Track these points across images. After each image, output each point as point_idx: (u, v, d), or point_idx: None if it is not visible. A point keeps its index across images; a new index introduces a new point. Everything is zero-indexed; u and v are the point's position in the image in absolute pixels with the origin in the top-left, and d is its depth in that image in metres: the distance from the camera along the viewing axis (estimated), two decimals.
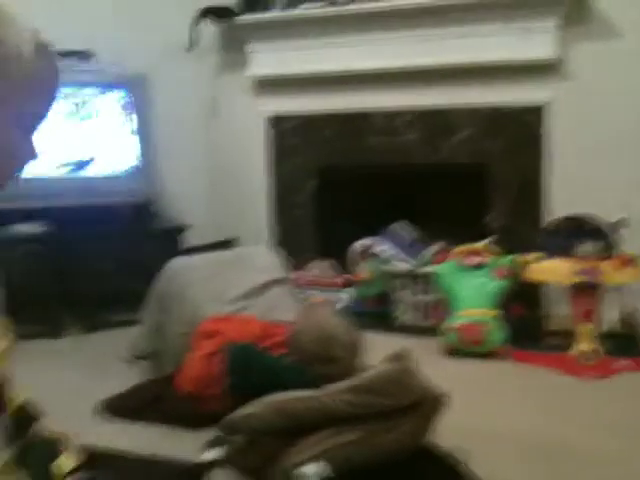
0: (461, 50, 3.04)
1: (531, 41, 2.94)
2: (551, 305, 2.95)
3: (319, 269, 3.16)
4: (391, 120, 3.28)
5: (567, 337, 2.56)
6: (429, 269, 2.89)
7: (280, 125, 3.48)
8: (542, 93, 3.02)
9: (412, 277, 2.94)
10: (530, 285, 2.78)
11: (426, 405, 1.68)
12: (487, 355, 2.59)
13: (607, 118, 2.94)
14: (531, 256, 2.66)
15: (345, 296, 3.07)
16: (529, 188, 3.07)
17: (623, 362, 2.46)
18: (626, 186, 2.92)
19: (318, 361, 1.96)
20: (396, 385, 1.68)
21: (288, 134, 3.47)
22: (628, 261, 2.45)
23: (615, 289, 2.54)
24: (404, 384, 1.69)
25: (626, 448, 1.84)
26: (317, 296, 2.99)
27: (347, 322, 2.12)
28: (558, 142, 3.02)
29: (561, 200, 2.99)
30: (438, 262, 2.87)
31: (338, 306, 2.98)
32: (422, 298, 2.92)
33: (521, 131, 3.08)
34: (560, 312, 2.79)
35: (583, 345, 2.46)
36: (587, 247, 2.52)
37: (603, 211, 2.77)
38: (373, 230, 3.15)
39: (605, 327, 2.58)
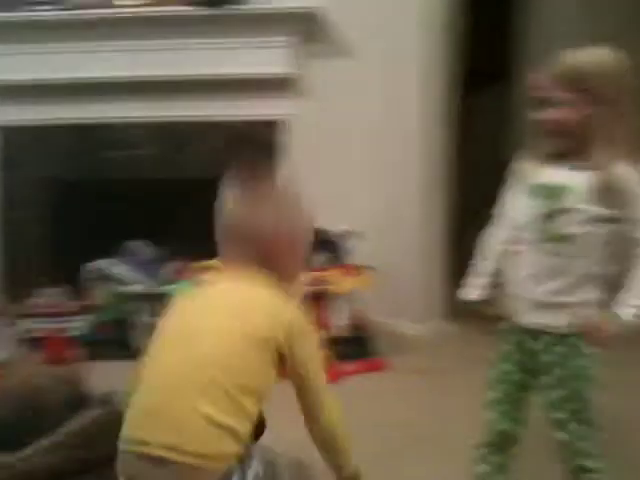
0: (198, 63, 2.98)
1: (267, 56, 2.97)
2: None
3: (50, 296, 2.90)
4: (128, 133, 3.12)
5: None
6: (167, 288, 2.77)
7: (9, 136, 3.13)
8: (281, 108, 3.07)
9: (150, 298, 2.80)
10: None
11: None
12: None
13: (342, 133, 3.07)
14: None
15: (79, 324, 2.84)
16: None
17: (352, 365, 2.55)
18: (358, 199, 3.08)
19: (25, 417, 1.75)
20: (99, 434, 1.55)
21: (17, 145, 3.14)
22: (354, 270, 2.55)
23: (344, 296, 2.63)
24: (106, 432, 1.55)
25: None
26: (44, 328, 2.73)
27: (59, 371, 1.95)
28: (298, 155, 3.08)
29: None
30: (176, 280, 2.76)
31: (72, 334, 2.75)
32: None
33: (257, 145, 3.09)
34: None
35: None
36: (318, 258, 2.58)
37: (336, 223, 2.89)
38: (109, 250, 2.96)
39: (337, 332, 2.65)
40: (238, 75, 2.98)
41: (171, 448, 1.03)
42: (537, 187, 1.32)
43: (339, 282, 2.52)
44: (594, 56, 1.28)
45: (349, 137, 3.07)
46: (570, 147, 1.29)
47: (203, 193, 3.10)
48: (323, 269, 2.54)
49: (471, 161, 4.54)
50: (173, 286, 2.74)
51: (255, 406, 1.10)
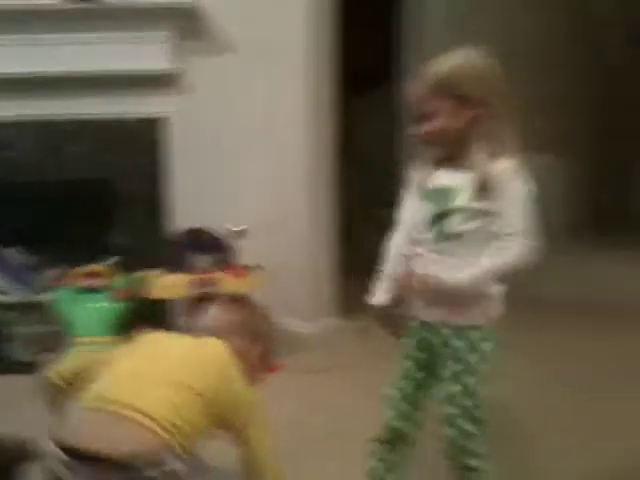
0: (73, 59, 2.82)
1: (145, 52, 2.86)
2: (175, 319, 2.92)
3: None
4: None
5: None
6: (44, 297, 2.61)
7: None
8: (161, 105, 2.97)
9: (25, 308, 2.64)
10: (160, 302, 2.70)
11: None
12: None
13: (226, 131, 3.01)
14: (152, 273, 2.57)
15: None
16: (152, 202, 3.00)
17: None
18: (244, 198, 3.04)
19: None
20: None
21: None
22: (243, 271, 2.50)
23: None
24: None
25: None
26: None
27: None
28: (178, 154, 3.00)
29: (184, 213, 2.98)
30: (54, 288, 2.61)
31: None
32: (38, 330, 2.63)
33: (141, 144, 2.99)
34: (182, 324, 2.76)
35: None
36: (205, 259, 2.52)
37: (223, 222, 2.84)
38: None
39: None
40: (116, 71, 2.85)
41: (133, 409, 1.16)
42: (429, 191, 1.37)
43: (227, 284, 2.47)
44: (464, 60, 1.31)
45: (233, 134, 3.02)
46: (453, 151, 1.34)
47: (82, 195, 3.01)
48: (210, 271, 2.48)
49: (363, 160, 4.64)
50: (51, 294, 2.60)
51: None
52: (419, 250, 1.39)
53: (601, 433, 2.02)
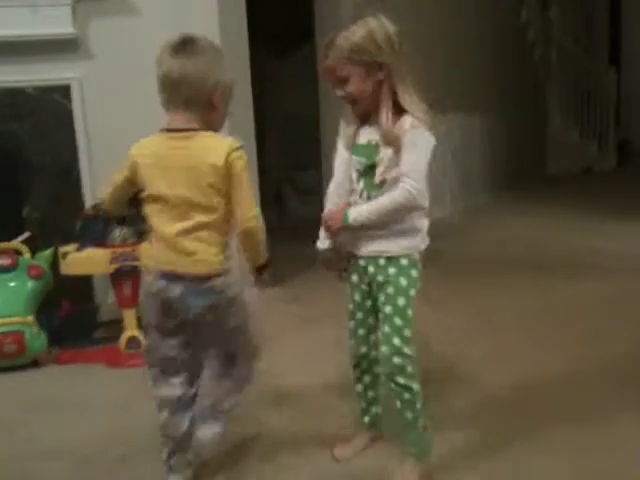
0: None
1: (44, 16, 2.72)
2: (101, 295, 2.82)
3: None
4: None
5: (119, 327, 2.45)
6: None
7: None
8: (66, 71, 2.82)
9: None
10: (80, 277, 2.59)
11: None
12: (31, 365, 2.33)
13: (134, 94, 2.88)
14: (69, 248, 2.45)
15: None
16: (67, 173, 2.86)
17: None
18: None
19: None
20: None
21: None
22: None
23: None
24: None
25: None
26: None
27: None
28: (90, 122, 2.87)
29: (101, 184, 2.86)
30: None
31: None
32: None
33: (50, 112, 2.84)
34: (112, 300, 2.67)
35: (129, 332, 2.38)
36: (122, 232, 2.41)
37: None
38: None
39: None
40: (15, 37, 2.69)
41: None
42: (356, 147, 1.57)
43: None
44: (370, 29, 1.45)
45: (145, 99, 2.88)
46: (369, 109, 1.52)
47: None
48: (131, 243, 2.38)
49: (284, 123, 4.57)
50: None
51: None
52: (352, 198, 1.59)
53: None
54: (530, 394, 1.99)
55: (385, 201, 1.48)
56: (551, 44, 7.21)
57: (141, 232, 2.46)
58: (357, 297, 1.64)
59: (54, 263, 2.47)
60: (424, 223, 1.58)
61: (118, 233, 2.38)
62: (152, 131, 2.84)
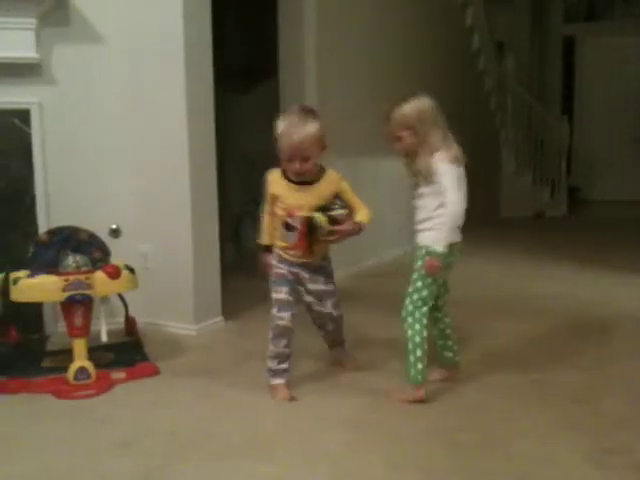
0: None
1: (7, 39, 2.70)
2: (52, 324, 2.77)
3: None
4: None
5: (69, 356, 2.39)
6: None
7: None
8: (26, 96, 2.80)
9: None
10: (30, 305, 2.53)
11: None
12: None
13: (93, 121, 2.89)
14: (20, 273, 2.40)
15: None
16: (22, 198, 2.82)
17: (122, 373, 2.41)
18: (119, 195, 2.93)
19: None
20: None
21: None
22: (116, 271, 2.39)
23: (105, 300, 2.47)
24: None
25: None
26: None
27: None
28: (48, 148, 2.85)
29: (56, 210, 2.83)
30: None
31: None
32: None
33: (7, 136, 2.81)
34: (62, 330, 2.62)
35: (79, 362, 2.33)
36: (76, 259, 2.38)
37: (95, 221, 2.72)
38: None
39: (106, 339, 2.48)
40: None
41: None
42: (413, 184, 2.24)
43: (102, 285, 2.35)
44: (413, 105, 2.14)
45: (105, 128, 2.90)
46: (412, 156, 2.19)
47: None
48: (85, 272, 2.35)
49: (243, 157, 4.59)
50: None
51: None
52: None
53: None
54: None
55: (444, 219, 2.12)
56: (506, 93, 7.47)
57: (95, 260, 2.45)
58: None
59: (5, 289, 2.41)
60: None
61: (72, 260, 2.34)
62: (108, 158, 2.87)
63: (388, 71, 4.65)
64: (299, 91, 3.76)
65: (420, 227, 2.20)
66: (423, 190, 2.17)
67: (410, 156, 2.20)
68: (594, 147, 8.93)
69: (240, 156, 4.57)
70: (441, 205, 2.14)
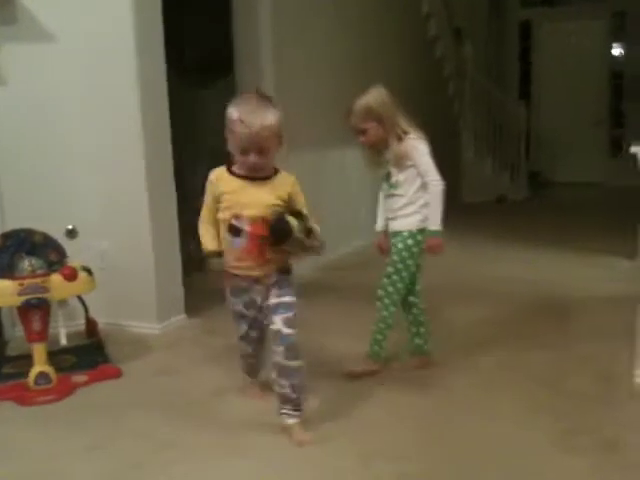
0: None
1: None
2: (10, 329, 2.70)
3: None
4: None
5: (29, 361, 2.33)
6: None
7: None
8: None
9: None
10: None
11: None
12: None
13: (45, 121, 2.81)
14: None
15: None
16: None
17: (84, 376, 2.36)
18: (78, 196, 2.86)
19: None
20: None
21: None
22: (73, 273, 2.33)
23: (64, 303, 2.41)
24: None
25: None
26: None
27: None
28: (0, 149, 2.76)
29: (10, 213, 2.77)
30: None
31: None
32: None
33: None
34: (20, 334, 2.55)
35: (39, 367, 2.27)
36: (31, 263, 2.32)
37: (52, 223, 2.65)
38: None
39: (65, 342, 2.42)
40: None
41: None
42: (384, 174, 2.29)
43: (59, 288, 2.29)
44: (373, 95, 2.20)
45: (59, 128, 2.82)
46: (380, 148, 2.25)
47: None
48: (40, 275, 2.28)
49: (212, 151, 4.53)
50: None
51: None
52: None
53: None
54: None
55: (434, 199, 2.18)
56: (465, 79, 7.51)
57: (51, 262, 2.38)
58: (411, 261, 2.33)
59: None
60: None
61: (27, 263, 2.28)
62: (63, 158, 2.80)
63: (347, 62, 4.62)
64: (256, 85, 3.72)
65: (400, 213, 2.24)
66: (397, 178, 2.21)
67: (377, 147, 2.23)
68: (554, 130, 9.05)
69: (206, 152, 4.52)
70: (421, 187, 2.20)
